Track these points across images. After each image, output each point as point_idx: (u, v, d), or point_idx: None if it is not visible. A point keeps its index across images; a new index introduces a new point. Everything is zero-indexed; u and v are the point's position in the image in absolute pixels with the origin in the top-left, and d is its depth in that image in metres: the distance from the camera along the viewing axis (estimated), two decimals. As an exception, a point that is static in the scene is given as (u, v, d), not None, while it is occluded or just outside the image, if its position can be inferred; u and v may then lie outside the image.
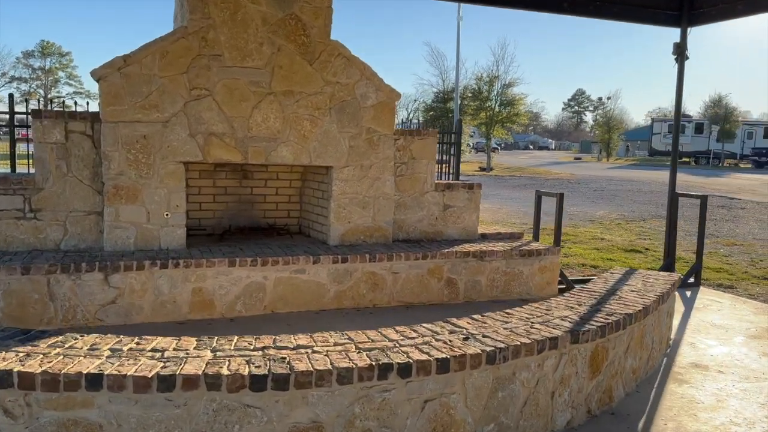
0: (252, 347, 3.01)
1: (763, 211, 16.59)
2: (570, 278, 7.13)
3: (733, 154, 55.09)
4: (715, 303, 6.60)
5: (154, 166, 5.62)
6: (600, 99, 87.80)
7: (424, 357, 2.94)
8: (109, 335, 3.09)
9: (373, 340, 3.18)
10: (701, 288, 7.35)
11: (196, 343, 3.04)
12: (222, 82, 5.75)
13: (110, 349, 2.88)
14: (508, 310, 3.86)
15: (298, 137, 6.05)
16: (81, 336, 3.05)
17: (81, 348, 2.88)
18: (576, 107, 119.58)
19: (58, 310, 4.99)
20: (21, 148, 8.70)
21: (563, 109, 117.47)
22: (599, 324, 3.64)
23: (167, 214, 5.70)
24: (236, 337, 3.16)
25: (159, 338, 3.09)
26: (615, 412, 3.78)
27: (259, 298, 5.57)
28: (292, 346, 3.04)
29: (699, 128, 54.87)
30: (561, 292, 6.72)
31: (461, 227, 6.97)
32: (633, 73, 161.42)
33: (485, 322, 3.58)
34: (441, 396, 2.98)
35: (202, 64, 5.66)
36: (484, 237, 7.07)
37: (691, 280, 7.49)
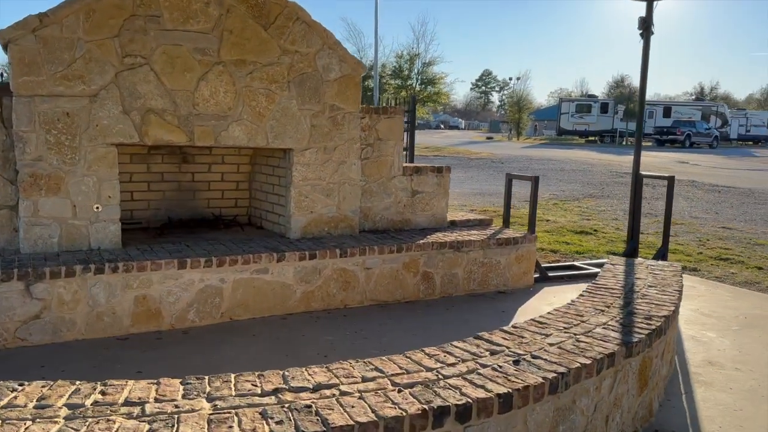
0: (260, 390, 2.29)
1: (686, 188, 17.08)
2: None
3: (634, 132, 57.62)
4: (693, 289, 6.39)
5: (81, 150, 4.65)
6: (511, 79, 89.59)
7: (482, 393, 2.32)
8: (60, 382, 2.27)
9: (407, 371, 2.53)
10: (669, 272, 7.15)
11: (182, 388, 2.28)
12: (161, 49, 4.83)
13: (67, 406, 2.08)
14: (539, 318, 3.31)
15: (253, 115, 5.22)
16: (20, 386, 2.21)
17: (25, 406, 2.06)
18: (483, 87, 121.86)
19: (-35, 330, 4.00)
20: None
21: (471, 89, 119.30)
22: (646, 332, 3.15)
23: (97, 207, 4.75)
24: (233, 376, 2.42)
25: (130, 383, 2.30)
26: (658, 428, 3.33)
27: (215, 304, 4.76)
28: (311, 386, 2.34)
29: (604, 108, 56.98)
30: (536, 281, 6.31)
31: (430, 214, 6.38)
32: (536, 55, 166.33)
33: (523, 336, 3.01)
34: (502, 440, 2.39)
35: (137, 27, 4.71)
36: (454, 224, 6.52)
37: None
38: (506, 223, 6.77)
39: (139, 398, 2.17)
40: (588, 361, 2.70)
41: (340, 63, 5.57)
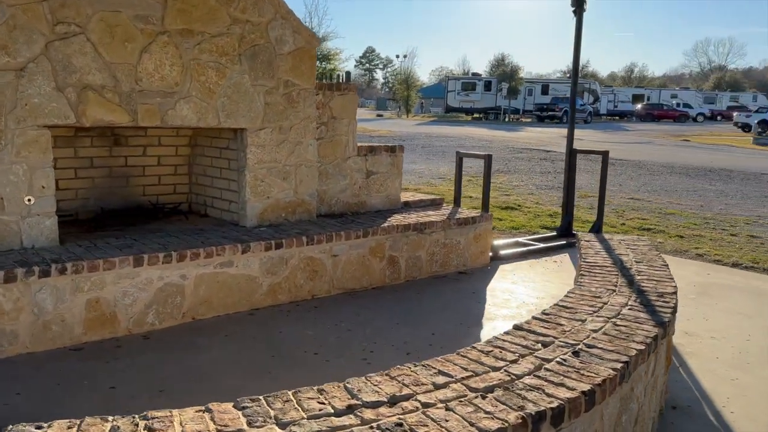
0: (331, 408, 1.98)
1: (584, 162, 17.88)
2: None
3: (516, 109, 59.91)
4: (636, 260, 6.61)
5: (7, 133, 3.97)
6: (398, 56, 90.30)
7: (568, 393, 2.15)
8: (90, 420, 1.85)
9: (474, 372, 2.31)
10: (607, 244, 7.37)
11: (241, 414, 1.93)
12: (98, 16, 4.21)
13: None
14: (562, 303, 3.19)
15: (202, 91, 4.71)
16: (38, 429, 1.77)
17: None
18: (367, 65, 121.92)
19: None
20: None
21: (355, 66, 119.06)
22: (669, 311, 3.12)
23: (29, 200, 4.10)
24: (290, 393, 2.10)
25: (176, 413, 1.92)
26: (674, 404, 3.34)
27: (176, 304, 4.28)
28: (386, 399, 2.06)
29: (488, 86, 58.63)
30: (492, 260, 6.27)
31: (385, 196, 6.14)
32: (418, 33, 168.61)
33: (561, 324, 2.87)
34: (584, 439, 2.24)
35: (69, -10, 4.07)
36: (408, 205, 6.33)
37: (595, 236, 7.48)
38: (457, 202, 6.66)
39: (198, 433, 1.81)
40: (642, 347, 2.61)
41: (294, 34, 5.15)
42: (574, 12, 7.46)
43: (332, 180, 5.70)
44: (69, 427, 1.81)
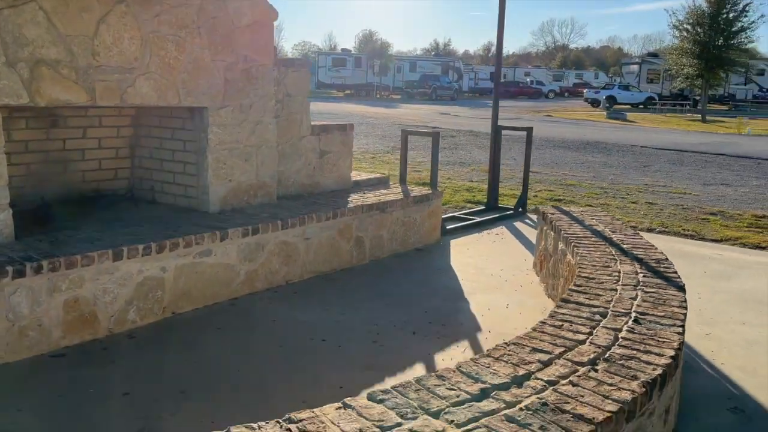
0: (466, 394, 1.97)
1: (472, 138, 18.56)
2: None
3: (386, 86, 60.59)
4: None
5: (-48, 115, 3.44)
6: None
7: (662, 360, 2.29)
8: (234, 429, 1.70)
9: (566, 347, 2.38)
10: (535, 217, 7.77)
11: (384, 408, 1.86)
12: (51, -19, 3.74)
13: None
14: (584, 274, 3.34)
15: (162, 67, 4.35)
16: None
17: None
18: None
19: None
20: None
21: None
22: (675, 275, 3.39)
23: (-20, 191, 3.60)
24: (414, 382, 2.05)
25: (317, 412, 1.82)
26: (672, 361, 3.64)
27: (156, 298, 3.97)
28: (509, 380, 2.08)
29: (358, 62, 58.75)
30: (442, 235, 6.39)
31: (337, 176, 6.03)
32: (282, 5, 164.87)
33: (600, 295, 3.02)
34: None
35: (17, -50, 3.57)
36: (358, 185, 6.26)
37: (520, 209, 7.86)
38: (403, 180, 6.70)
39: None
40: (683, 311, 2.82)
41: (252, 7, 4.88)
42: (499, -7, 7.69)
43: (288, 160, 5.51)
44: (224, 441, 1.65)
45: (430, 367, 3.39)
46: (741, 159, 14.02)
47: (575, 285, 3.15)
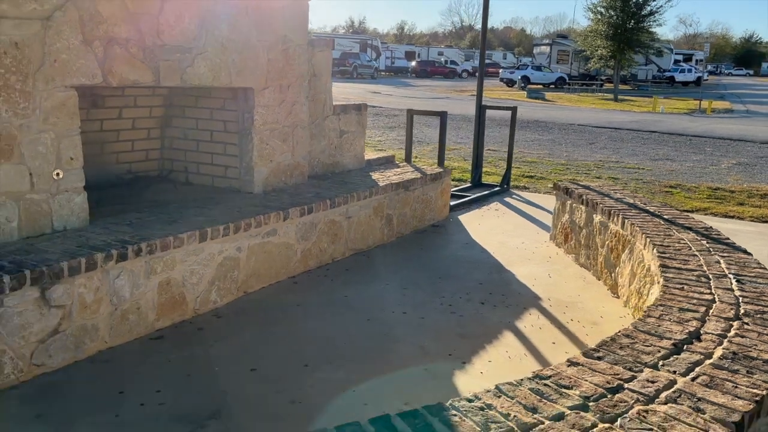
0: (665, 349, 2.25)
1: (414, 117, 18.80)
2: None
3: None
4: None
5: (35, 96, 3.34)
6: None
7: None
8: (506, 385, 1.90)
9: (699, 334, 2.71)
10: (519, 193, 8.18)
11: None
12: (122, -42, 3.66)
13: None
14: (666, 254, 3.69)
15: (217, 47, 4.33)
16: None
17: None
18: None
19: (-32, 370, 2.72)
20: None
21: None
22: (730, 241, 3.82)
23: (58, 174, 3.51)
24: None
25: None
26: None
27: (233, 278, 4.02)
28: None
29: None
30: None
31: (353, 155, 6.14)
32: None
33: (687, 260, 3.38)
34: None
35: (93, -76, 3.47)
36: (370, 164, 6.40)
37: (505, 186, 8.25)
38: (408, 159, 6.89)
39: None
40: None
41: (292, -12, 4.89)
42: (484, -25, 7.95)
43: (315, 141, 5.58)
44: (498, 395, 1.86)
45: (518, 333, 3.67)
46: (673, 136, 15.13)
47: (659, 252, 3.49)
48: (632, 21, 33.52)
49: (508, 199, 7.59)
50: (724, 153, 12.49)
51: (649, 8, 33.59)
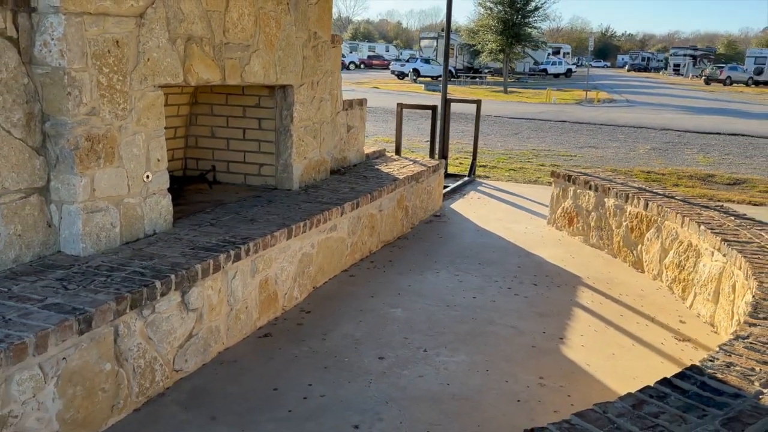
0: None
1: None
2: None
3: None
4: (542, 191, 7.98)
5: (131, 96, 3.25)
6: None
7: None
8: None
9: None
10: (485, 182, 8.62)
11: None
12: (198, -46, 3.61)
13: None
14: (709, 220, 4.18)
15: (266, 44, 4.33)
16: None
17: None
18: None
19: (131, 379, 2.66)
20: None
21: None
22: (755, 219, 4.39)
23: (147, 176, 3.43)
24: None
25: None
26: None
27: (308, 273, 4.08)
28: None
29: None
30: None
31: (357, 149, 6.26)
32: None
33: (737, 234, 3.87)
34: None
35: None
36: (368, 157, 6.55)
37: (471, 176, 8.67)
38: (398, 151, 7.09)
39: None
40: (796, 241, 3.79)
41: (320, -15, 4.95)
42: (446, -26, 8.28)
43: (330, 136, 5.65)
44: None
45: (586, 309, 4.04)
46: (582, 125, 16.33)
47: (710, 228, 3.96)
48: (519, 16, 35.37)
49: (480, 188, 7.99)
50: (635, 139, 13.71)
51: (533, 4, 35.58)
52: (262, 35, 4.25)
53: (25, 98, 2.84)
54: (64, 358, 2.30)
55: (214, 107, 4.98)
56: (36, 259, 2.94)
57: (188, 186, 4.75)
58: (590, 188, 5.48)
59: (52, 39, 2.82)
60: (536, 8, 35.64)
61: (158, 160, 3.47)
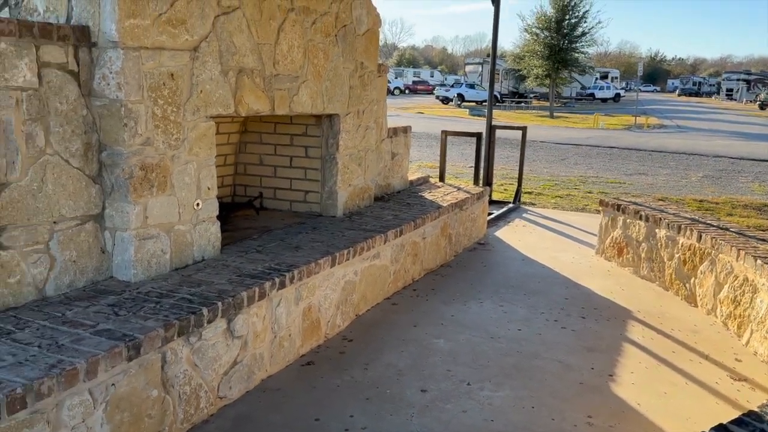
0: None
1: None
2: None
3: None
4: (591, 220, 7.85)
5: (184, 127, 3.34)
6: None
7: None
8: None
9: None
10: (531, 209, 8.52)
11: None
12: (250, -12, 3.71)
13: None
14: (760, 252, 4.03)
15: (314, 75, 4.41)
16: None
17: None
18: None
19: (176, 406, 2.70)
20: None
21: None
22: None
23: (198, 204, 3.50)
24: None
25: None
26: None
27: (351, 301, 4.09)
28: None
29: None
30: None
31: (401, 176, 6.29)
32: None
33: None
34: None
35: (230, -44, 3.52)
36: (412, 184, 6.56)
37: (517, 202, 8.58)
38: (442, 178, 7.08)
39: None
40: None
41: (369, 15, 5.03)
42: (493, 2, 8.31)
43: (374, 163, 5.69)
44: None
45: (636, 344, 3.92)
46: (632, 151, 16.04)
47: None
48: (566, 41, 35.15)
49: (526, 216, 7.90)
50: (686, 167, 13.37)
51: (581, 29, 35.32)
52: (310, 66, 4.33)
53: (83, 129, 2.95)
54: (113, 384, 2.35)
55: (262, 135, 5.09)
56: (89, 284, 3.03)
57: (236, 212, 4.84)
58: (641, 218, 5.35)
59: (111, 72, 2.93)
60: (584, 33, 35.37)
61: (208, 189, 3.55)
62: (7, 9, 3.15)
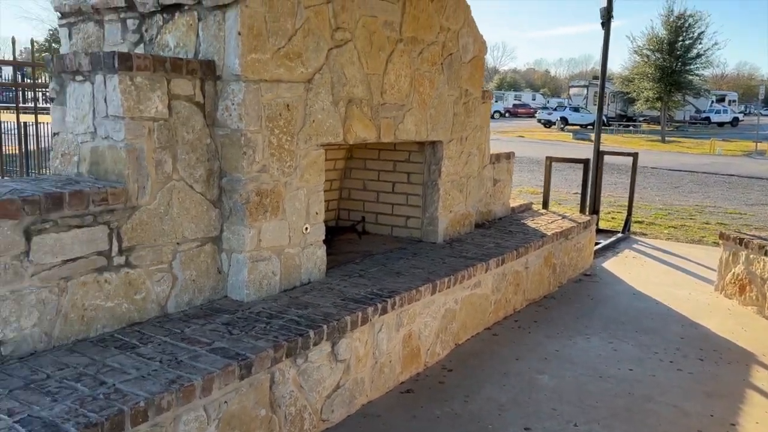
0: None
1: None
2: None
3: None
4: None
5: (296, 154, 3.47)
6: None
7: None
8: None
9: None
10: (643, 240, 8.14)
11: None
12: (362, 21, 3.83)
13: None
14: None
15: (419, 103, 4.46)
16: None
17: None
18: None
19: (282, 426, 2.77)
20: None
21: None
22: None
23: (306, 228, 3.61)
24: None
25: None
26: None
27: (451, 330, 4.06)
28: None
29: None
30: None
31: (502, 203, 6.21)
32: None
33: None
34: None
35: (344, -9, 3.65)
36: (514, 211, 6.46)
37: (626, 232, 8.23)
38: (545, 205, 6.94)
39: None
40: None
41: (475, 42, 5.05)
42: (603, 24, 8.09)
43: (475, 190, 5.66)
44: None
45: (761, 391, 3.63)
46: (753, 180, 14.98)
47: None
48: (679, 63, 33.55)
49: (636, 246, 7.55)
50: (816, 198, 12.32)
51: (695, 51, 33.61)
52: (416, 95, 4.39)
53: (207, 156, 3.14)
54: (225, 402, 2.46)
55: (367, 161, 5.20)
56: (206, 302, 3.20)
57: (339, 235, 4.96)
58: (766, 254, 4.98)
59: (233, 104, 3.12)
60: (698, 55, 33.66)
61: (316, 213, 3.67)
62: (142, 45, 3.43)
